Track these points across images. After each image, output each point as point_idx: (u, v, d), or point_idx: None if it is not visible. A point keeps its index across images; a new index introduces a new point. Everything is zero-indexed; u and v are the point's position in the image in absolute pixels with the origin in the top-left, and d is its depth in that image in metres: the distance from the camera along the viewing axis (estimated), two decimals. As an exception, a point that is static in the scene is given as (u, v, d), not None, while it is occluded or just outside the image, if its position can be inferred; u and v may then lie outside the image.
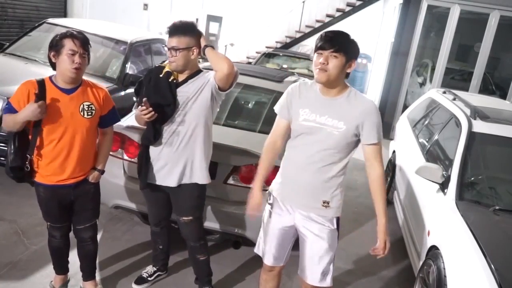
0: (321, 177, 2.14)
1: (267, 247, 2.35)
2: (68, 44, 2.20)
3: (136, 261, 3.18)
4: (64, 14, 12.66)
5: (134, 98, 2.65)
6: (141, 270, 3.00)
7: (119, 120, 2.59)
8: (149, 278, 2.95)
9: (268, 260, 2.38)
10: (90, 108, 2.33)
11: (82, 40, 2.25)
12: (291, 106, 2.19)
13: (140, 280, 2.93)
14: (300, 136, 2.17)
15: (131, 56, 5.07)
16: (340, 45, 2.00)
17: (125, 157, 3.15)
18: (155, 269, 2.99)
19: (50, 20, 5.34)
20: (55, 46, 2.23)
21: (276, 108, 2.29)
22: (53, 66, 2.28)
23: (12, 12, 10.43)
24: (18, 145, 2.28)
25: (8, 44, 5.06)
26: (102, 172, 2.52)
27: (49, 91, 2.25)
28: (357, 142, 2.15)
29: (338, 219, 2.24)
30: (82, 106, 2.31)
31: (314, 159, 2.12)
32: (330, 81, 2.04)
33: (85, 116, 2.31)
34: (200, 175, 2.57)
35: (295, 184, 2.20)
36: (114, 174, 3.19)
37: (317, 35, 2.10)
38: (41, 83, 2.26)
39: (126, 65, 4.91)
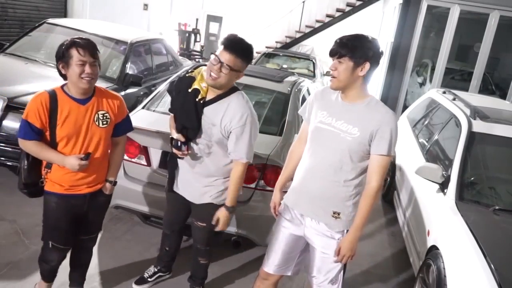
0: (332, 185, 2.06)
1: (272, 254, 2.30)
2: (76, 55, 2.07)
3: (136, 261, 3.18)
4: (64, 14, 12.67)
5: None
6: (141, 270, 2.99)
7: (132, 129, 2.50)
8: (149, 279, 2.94)
9: (269, 267, 2.31)
10: (105, 117, 2.24)
11: (90, 48, 2.11)
12: (312, 108, 2.19)
13: (141, 281, 2.93)
14: (314, 139, 2.11)
15: (131, 56, 5.07)
16: (345, 50, 1.93)
17: (125, 157, 3.14)
18: (156, 269, 2.98)
19: (50, 20, 5.34)
20: (63, 57, 2.10)
21: (300, 111, 2.28)
22: (64, 77, 2.16)
23: (12, 12, 10.42)
24: (32, 159, 2.21)
25: (8, 44, 5.05)
26: (114, 183, 2.43)
27: (62, 102, 2.13)
28: None
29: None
30: (97, 115, 2.21)
31: (325, 165, 2.06)
32: (341, 86, 2.02)
33: (101, 125, 2.22)
34: (220, 199, 2.53)
35: (306, 190, 2.14)
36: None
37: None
38: (52, 95, 2.12)
39: (126, 65, 4.91)
